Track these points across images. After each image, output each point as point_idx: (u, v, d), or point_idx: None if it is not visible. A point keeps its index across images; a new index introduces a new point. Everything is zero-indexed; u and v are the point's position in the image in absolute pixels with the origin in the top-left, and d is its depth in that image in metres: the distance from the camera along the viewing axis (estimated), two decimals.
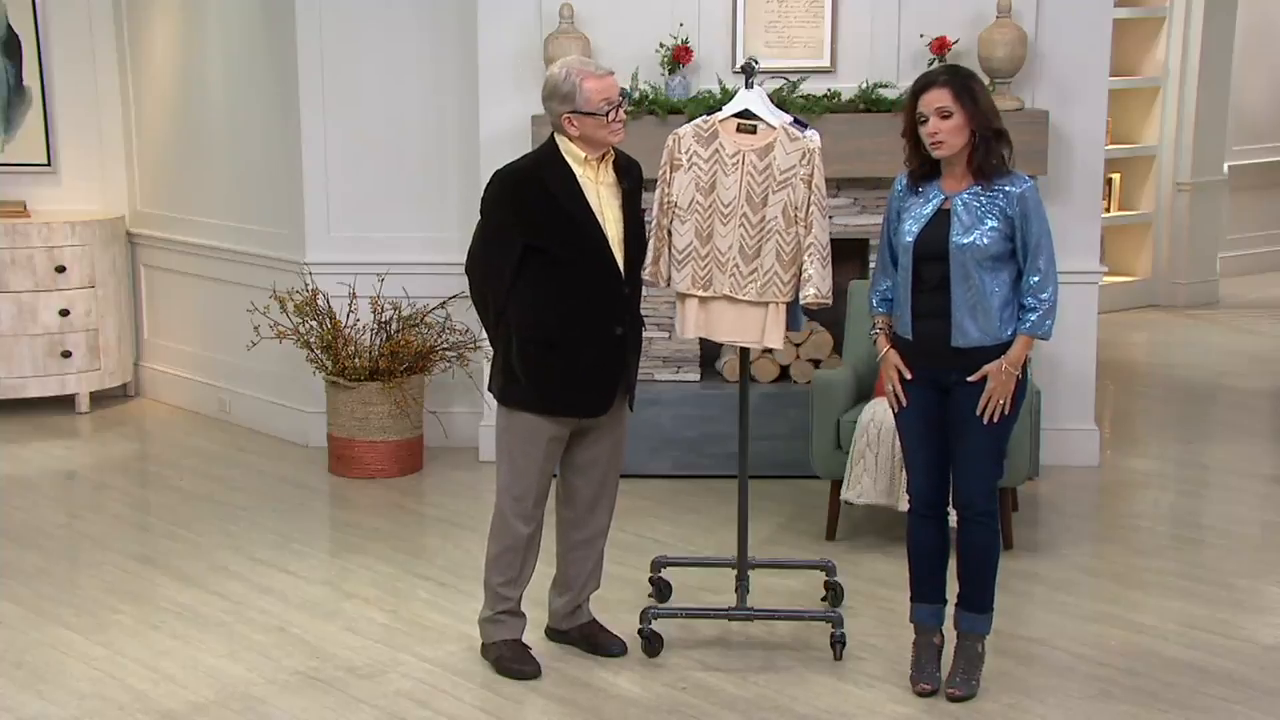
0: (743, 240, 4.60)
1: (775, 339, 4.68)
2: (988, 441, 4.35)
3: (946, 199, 4.29)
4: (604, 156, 4.48)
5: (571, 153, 4.45)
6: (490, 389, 4.63)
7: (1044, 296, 4.29)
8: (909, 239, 4.30)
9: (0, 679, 4.63)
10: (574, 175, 4.44)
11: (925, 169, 4.33)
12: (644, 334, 4.75)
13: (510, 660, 4.63)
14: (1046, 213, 4.34)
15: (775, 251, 4.59)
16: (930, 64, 6.16)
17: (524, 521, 4.59)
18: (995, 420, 4.30)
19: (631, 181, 4.54)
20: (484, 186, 4.54)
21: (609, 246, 4.46)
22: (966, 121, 4.21)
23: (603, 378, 4.52)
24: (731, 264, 4.62)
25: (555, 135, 4.49)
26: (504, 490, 4.60)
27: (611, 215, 4.48)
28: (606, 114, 4.38)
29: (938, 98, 4.21)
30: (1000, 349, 4.30)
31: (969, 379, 4.29)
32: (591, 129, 4.40)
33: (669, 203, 4.64)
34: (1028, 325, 4.30)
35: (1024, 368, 4.42)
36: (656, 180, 4.66)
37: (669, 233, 4.66)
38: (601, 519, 4.74)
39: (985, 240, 4.22)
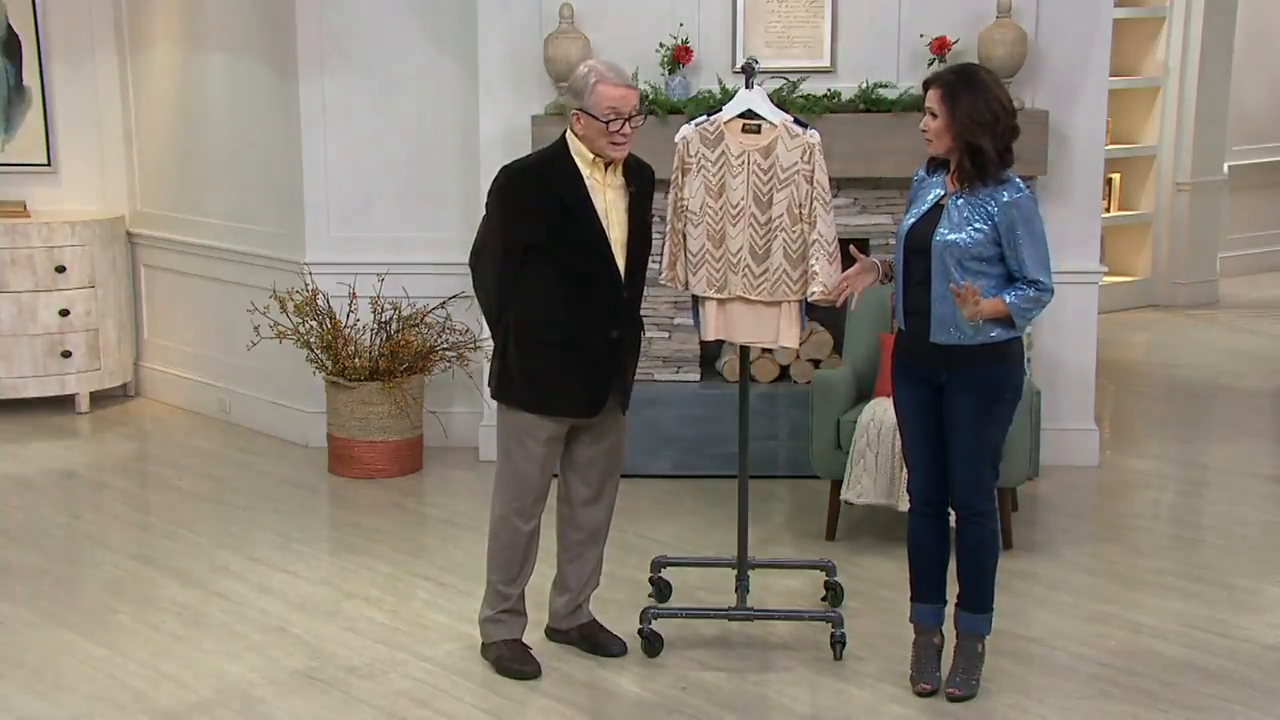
0: (752, 241, 4.61)
1: (790, 338, 4.71)
2: (981, 441, 4.35)
3: (944, 195, 4.31)
4: (610, 163, 4.46)
5: (580, 152, 4.45)
6: (489, 385, 4.64)
7: (1039, 292, 4.26)
8: (903, 229, 4.34)
9: (0, 679, 4.63)
10: (581, 175, 4.43)
11: (940, 158, 4.35)
12: (644, 335, 4.75)
13: (510, 660, 4.63)
14: (1043, 225, 4.31)
15: (783, 250, 4.60)
16: (930, 64, 6.17)
17: (523, 519, 4.59)
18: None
19: (640, 185, 4.53)
20: (490, 182, 4.54)
21: (610, 249, 4.45)
22: (948, 126, 4.22)
23: (595, 380, 4.51)
24: (743, 265, 4.63)
25: (567, 133, 4.48)
26: (503, 488, 4.61)
27: (616, 218, 4.47)
28: (608, 122, 4.36)
29: (930, 97, 4.28)
30: (980, 349, 4.29)
31: (950, 285, 4.23)
32: (593, 133, 4.39)
33: (681, 206, 4.66)
34: (1011, 297, 4.24)
35: (1022, 365, 4.43)
36: (669, 184, 4.68)
37: (684, 236, 4.68)
38: (601, 519, 4.74)
39: (967, 240, 4.23)
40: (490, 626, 4.69)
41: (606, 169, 4.45)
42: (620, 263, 4.48)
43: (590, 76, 4.39)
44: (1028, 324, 4.35)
